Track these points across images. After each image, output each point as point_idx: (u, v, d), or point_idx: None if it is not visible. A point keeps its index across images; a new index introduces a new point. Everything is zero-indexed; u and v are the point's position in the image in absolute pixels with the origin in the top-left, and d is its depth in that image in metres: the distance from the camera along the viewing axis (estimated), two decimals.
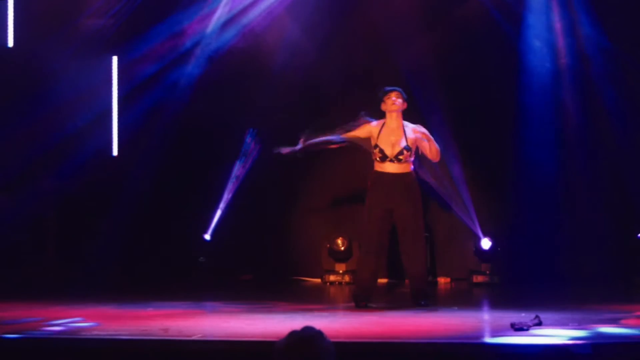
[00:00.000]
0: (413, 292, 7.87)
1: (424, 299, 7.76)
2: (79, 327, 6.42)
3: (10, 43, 9.72)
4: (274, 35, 10.46)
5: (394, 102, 7.77)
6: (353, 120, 7.91)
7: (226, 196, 10.66)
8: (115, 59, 10.51)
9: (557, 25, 10.21)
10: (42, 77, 9.71)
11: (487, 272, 10.28)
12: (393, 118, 7.80)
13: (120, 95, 10.53)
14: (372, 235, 7.77)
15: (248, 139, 10.46)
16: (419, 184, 7.92)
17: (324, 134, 7.94)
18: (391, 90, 7.84)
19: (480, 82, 10.27)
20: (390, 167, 7.72)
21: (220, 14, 10.43)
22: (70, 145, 9.85)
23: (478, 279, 10.29)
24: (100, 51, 10.31)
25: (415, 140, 7.76)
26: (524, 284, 9.73)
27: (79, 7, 10.13)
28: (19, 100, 9.71)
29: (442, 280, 10.76)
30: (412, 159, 7.76)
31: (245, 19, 10.44)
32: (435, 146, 7.76)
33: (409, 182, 7.75)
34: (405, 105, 7.87)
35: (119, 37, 10.37)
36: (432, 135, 7.83)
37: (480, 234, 10.23)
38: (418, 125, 7.86)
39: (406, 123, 7.84)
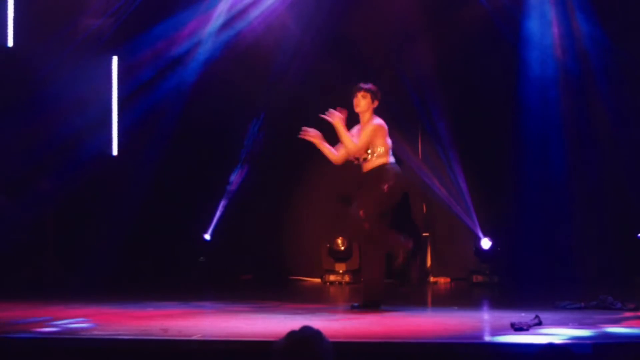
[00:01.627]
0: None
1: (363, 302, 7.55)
2: (79, 327, 6.41)
3: (10, 43, 9.72)
4: (274, 35, 10.46)
5: (357, 104, 7.49)
6: None
7: (226, 196, 10.66)
8: (115, 59, 10.51)
9: (557, 25, 10.21)
10: (42, 77, 9.70)
11: (487, 272, 10.28)
12: (360, 118, 7.58)
13: (120, 95, 10.53)
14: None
15: (251, 130, 10.47)
16: (382, 179, 7.35)
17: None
18: (357, 90, 7.49)
19: (480, 83, 10.26)
20: (364, 167, 7.52)
21: (220, 13, 10.43)
22: (70, 145, 9.84)
23: (478, 279, 10.29)
24: (100, 51, 10.31)
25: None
26: (524, 284, 9.73)
27: (78, 7, 10.12)
28: (19, 100, 9.70)
29: (442, 280, 10.76)
30: (375, 154, 7.39)
31: (245, 18, 10.45)
32: (356, 140, 7.38)
33: (369, 178, 7.45)
34: (374, 104, 7.48)
35: (119, 37, 10.36)
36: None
37: (480, 234, 10.23)
38: (375, 120, 7.45)
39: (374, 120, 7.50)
